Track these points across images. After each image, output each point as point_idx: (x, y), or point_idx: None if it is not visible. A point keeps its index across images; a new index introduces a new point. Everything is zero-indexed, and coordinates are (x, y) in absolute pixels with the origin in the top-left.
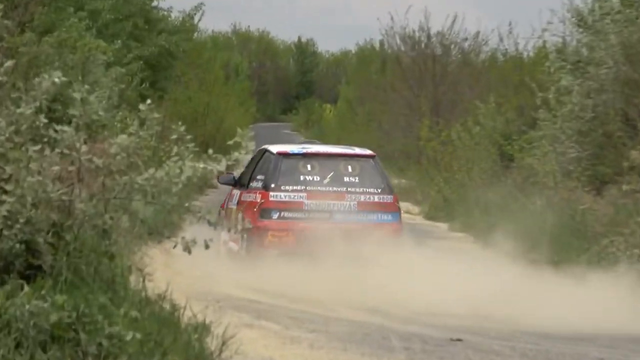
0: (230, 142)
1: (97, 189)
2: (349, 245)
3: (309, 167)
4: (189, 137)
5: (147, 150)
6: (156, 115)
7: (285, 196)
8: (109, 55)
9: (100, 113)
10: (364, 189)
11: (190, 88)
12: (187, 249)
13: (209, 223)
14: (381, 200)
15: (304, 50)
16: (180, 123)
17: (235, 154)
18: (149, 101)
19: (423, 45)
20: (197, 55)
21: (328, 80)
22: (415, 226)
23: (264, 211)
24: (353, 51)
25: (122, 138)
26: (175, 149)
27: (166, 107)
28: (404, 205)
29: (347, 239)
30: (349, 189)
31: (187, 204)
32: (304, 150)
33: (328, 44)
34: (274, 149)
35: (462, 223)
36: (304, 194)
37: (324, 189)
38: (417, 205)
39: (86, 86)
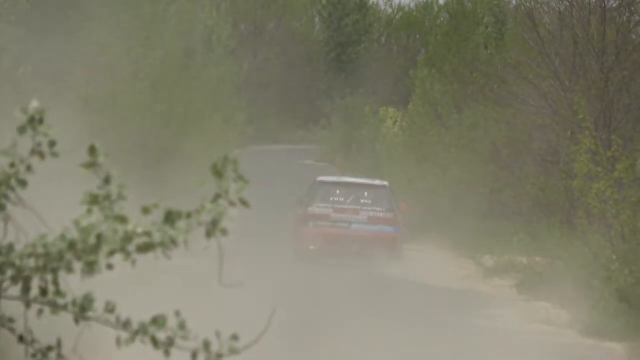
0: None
1: None
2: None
3: (338, 191)
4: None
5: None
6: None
7: (319, 210)
8: None
9: None
10: (373, 208)
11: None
12: None
13: None
14: (384, 216)
15: (341, 1)
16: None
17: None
18: (34, 103)
19: None
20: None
21: (389, 61)
22: (557, 351)
23: (305, 220)
24: (440, 0)
25: None
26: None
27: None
28: (540, 306)
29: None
30: (364, 206)
31: None
32: (339, 180)
33: None
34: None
35: None
36: (332, 209)
37: (346, 207)
38: (566, 307)
39: None
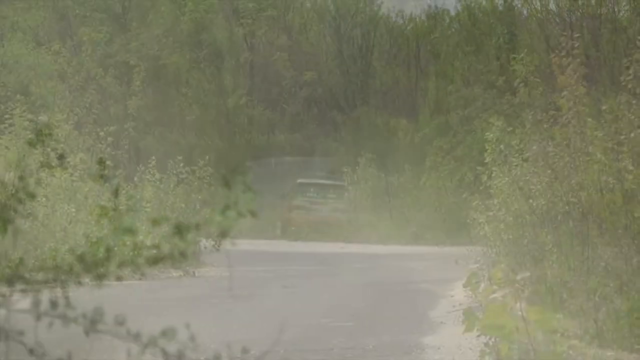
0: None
1: None
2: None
3: (312, 189)
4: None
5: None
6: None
7: (299, 202)
8: None
9: None
10: (335, 200)
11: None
12: None
13: None
14: (343, 207)
15: (350, 11)
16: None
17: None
18: (43, 117)
19: None
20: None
21: (399, 71)
22: None
23: (290, 209)
24: (451, 11)
25: None
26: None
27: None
28: (550, 317)
29: (327, 221)
30: (329, 200)
31: None
32: (312, 181)
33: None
34: (299, 180)
35: None
36: (308, 201)
37: (318, 199)
38: (577, 318)
39: None
